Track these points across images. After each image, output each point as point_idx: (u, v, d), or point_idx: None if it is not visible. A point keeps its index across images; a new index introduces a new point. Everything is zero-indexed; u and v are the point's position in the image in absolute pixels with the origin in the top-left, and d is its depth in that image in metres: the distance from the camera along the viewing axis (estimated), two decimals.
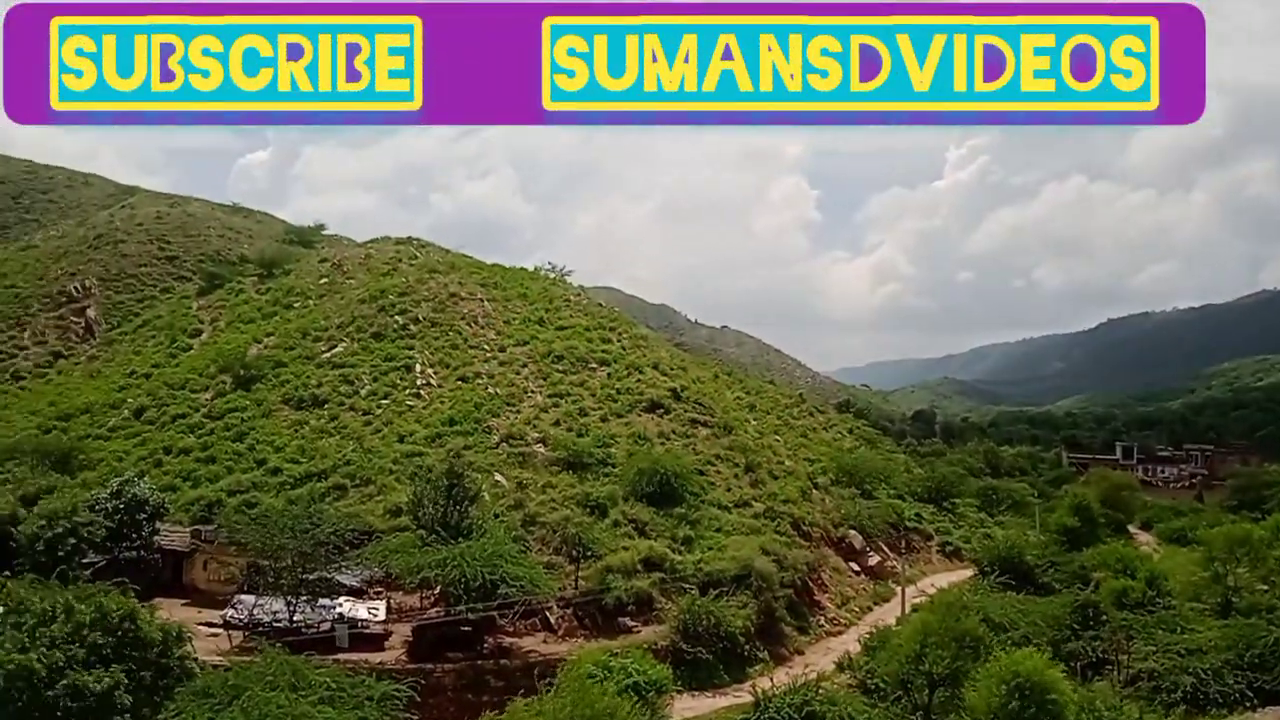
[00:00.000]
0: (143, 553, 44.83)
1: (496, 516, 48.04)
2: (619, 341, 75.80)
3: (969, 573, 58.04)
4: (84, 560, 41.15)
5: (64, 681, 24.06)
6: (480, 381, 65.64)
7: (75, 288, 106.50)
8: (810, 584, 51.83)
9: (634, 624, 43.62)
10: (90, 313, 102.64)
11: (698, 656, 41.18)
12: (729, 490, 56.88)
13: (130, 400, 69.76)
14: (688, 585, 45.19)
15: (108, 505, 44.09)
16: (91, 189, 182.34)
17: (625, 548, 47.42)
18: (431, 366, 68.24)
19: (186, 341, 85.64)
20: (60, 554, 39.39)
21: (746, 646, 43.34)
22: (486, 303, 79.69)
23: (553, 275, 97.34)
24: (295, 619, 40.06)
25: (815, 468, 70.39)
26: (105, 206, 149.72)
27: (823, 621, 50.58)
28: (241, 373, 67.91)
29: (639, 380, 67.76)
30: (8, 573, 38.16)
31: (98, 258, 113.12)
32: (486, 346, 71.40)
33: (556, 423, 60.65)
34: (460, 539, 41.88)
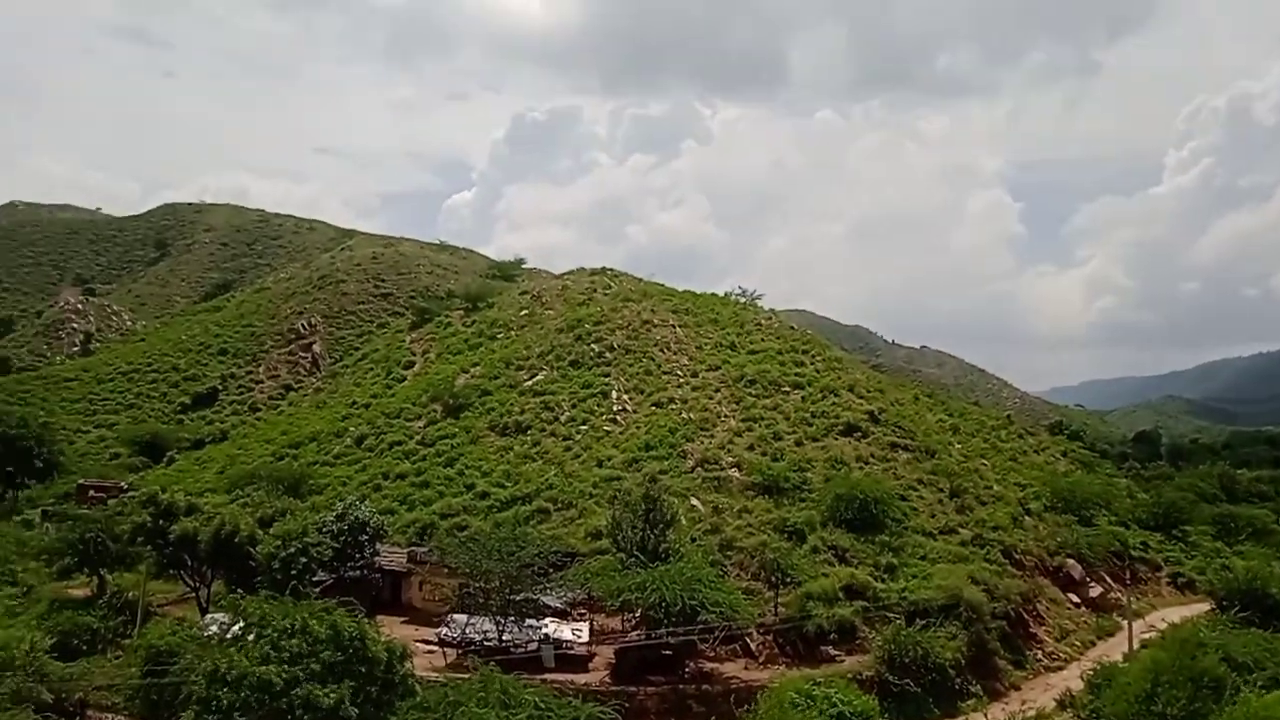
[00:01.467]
0: (365, 572, 47.64)
1: (693, 540, 48.19)
2: (812, 364, 74.78)
3: (1204, 607, 53.34)
4: (314, 579, 44.12)
5: (298, 693, 25.77)
6: (674, 406, 66.26)
7: (303, 325, 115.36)
8: (1025, 615, 49.09)
9: (836, 653, 42.63)
10: (316, 348, 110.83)
11: (905, 689, 39.75)
12: (933, 516, 54.82)
13: (352, 429, 74.56)
14: (892, 614, 43.79)
15: (334, 527, 47.12)
16: (315, 234, 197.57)
17: (825, 574, 46.51)
18: (627, 392, 69.49)
19: (400, 373, 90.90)
20: (294, 572, 42.35)
21: (957, 680, 41.54)
22: (679, 329, 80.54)
23: (744, 299, 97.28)
24: (504, 639, 41.43)
25: (1026, 493, 66.74)
26: (327, 249, 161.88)
27: (1040, 655, 47.76)
28: (451, 401, 71.38)
29: (834, 403, 66.54)
30: (240, 590, 41.53)
31: (321, 297, 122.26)
32: (680, 372, 72.08)
33: (751, 447, 60.36)
34: (658, 562, 42.20)
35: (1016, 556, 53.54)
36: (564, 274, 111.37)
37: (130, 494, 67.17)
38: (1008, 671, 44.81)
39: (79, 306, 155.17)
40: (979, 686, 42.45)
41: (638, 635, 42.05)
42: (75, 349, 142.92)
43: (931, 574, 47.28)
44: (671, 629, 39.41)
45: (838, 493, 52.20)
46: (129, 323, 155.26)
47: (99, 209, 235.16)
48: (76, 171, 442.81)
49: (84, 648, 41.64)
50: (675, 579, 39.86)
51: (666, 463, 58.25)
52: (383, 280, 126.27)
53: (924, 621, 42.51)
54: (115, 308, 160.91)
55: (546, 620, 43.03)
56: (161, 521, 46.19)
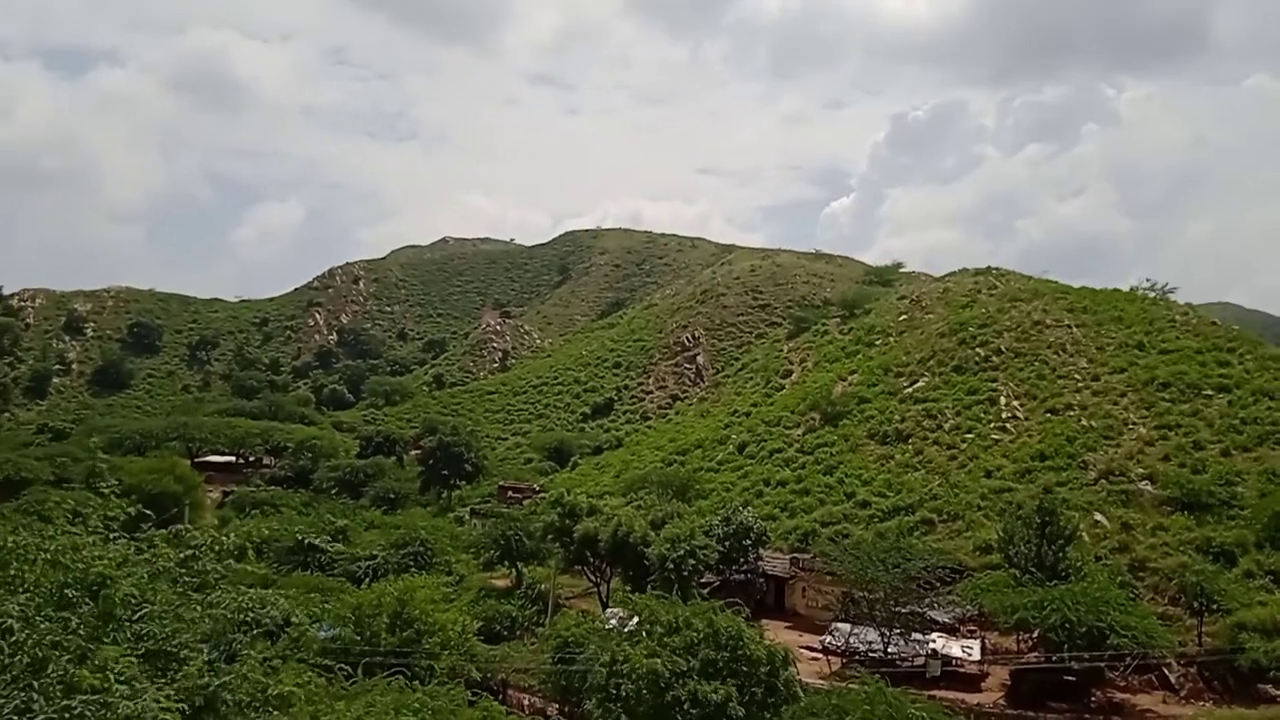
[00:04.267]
0: (749, 576, 48.85)
1: (1098, 559, 44.17)
2: (1241, 364, 65.54)
3: None
4: (701, 580, 45.96)
5: (685, 688, 26.88)
6: (1072, 413, 61.14)
7: (687, 338, 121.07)
8: None
9: (1278, 692, 36.93)
10: (699, 359, 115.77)
11: None
12: None
13: (734, 436, 76.82)
14: None
15: (719, 531, 48.82)
16: (697, 250, 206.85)
17: (1263, 603, 40.46)
18: (1017, 399, 65.25)
19: (779, 382, 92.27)
20: (684, 573, 44.40)
21: None
22: (1075, 329, 74.25)
23: (1153, 294, 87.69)
24: (889, 650, 40.51)
25: None
26: (709, 265, 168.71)
27: None
28: (829, 409, 71.27)
29: (1270, 407, 57.86)
30: (634, 587, 44.12)
31: (704, 310, 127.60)
32: (1077, 376, 66.39)
33: (1165, 457, 54.08)
34: (1056, 581, 39.19)
35: None
36: (945, 276, 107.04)
37: (541, 495, 74.17)
38: None
39: (498, 328, 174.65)
40: None
41: (1036, 657, 39.21)
42: (495, 365, 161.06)
43: None
44: (1075, 653, 36.32)
45: (1276, 510, 45.29)
46: (538, 341, 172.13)
47: (513, 240, 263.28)
48: (499, 207, 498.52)
49: (505, 633, 46.52)
50: (1079, 599, 36.72)
51: (1064, 474, 53.92)
52: (761, 292, 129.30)
53: None
54: (527, 328, 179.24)
55: (933, 635, 41.48)
56: (567, 521, 50.50)
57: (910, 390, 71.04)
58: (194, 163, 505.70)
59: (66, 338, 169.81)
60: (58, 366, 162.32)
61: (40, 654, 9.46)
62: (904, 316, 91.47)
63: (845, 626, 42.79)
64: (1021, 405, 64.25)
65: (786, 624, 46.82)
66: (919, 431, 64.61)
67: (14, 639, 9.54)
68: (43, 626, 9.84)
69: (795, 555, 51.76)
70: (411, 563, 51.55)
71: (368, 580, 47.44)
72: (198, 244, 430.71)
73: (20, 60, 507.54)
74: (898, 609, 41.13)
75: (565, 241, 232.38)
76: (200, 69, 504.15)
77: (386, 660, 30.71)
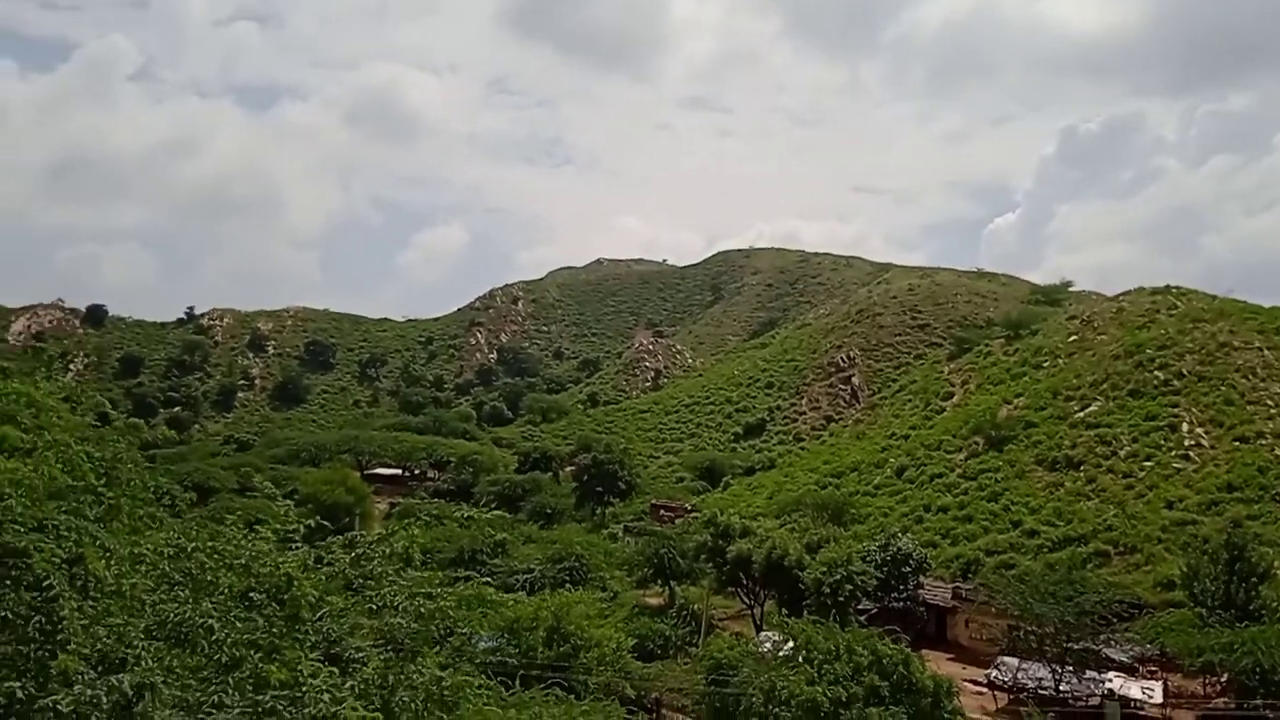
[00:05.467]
0: (908, 604, 47.44)
1: None
2: None
3: None
4: (858, 606, 44.92)
5: (847, 715, 26.29)
6: (1264, 442, 56.89)
7: (841, 358, 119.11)
8: None
9: None
10: (854, 380, 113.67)
11: None
12: None
13: (891, 460, 74.97)
14: None
15: (877, 557, 47.65)
16: (852, 269, 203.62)
17: None
18: (1201, 425, 61.17)
19: (939, 404, 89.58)
20: (840, 599, 43.51)
21: None
22: (1266, 351, 69.11)
23: None
24: (1061, 688, 38.52)
25: None
26: (864, 284, 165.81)
27: None
28: (993, 433, 68.68)
29: None
30: (788, 611, 43.46)
31: (859, 330, 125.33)
32: (1269, 402, 61.75)
33: None
34: (1248, 621, 36.48)
35: None
36: (1119, 295, 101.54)
37: (693, 515, 74.22)
38: None
39: (650, 347, 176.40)
40: None
41: (1225, 702, 36.54)
42: (647, 384, 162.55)
43: None
44: (1270, 700, 33.64)
45: None
46: (690, 360, 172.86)
47: (665, 260, 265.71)
48: (653, 228, 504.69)
49: (658, 651, 46.59)
50: (1274, 642, 34.06)
51: (1256, 506, 50.19)
52: (919, 311, 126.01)
53: None
54: (679, 347, 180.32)
55: (1110, 674, 39.17)
56: (720, 541, 50.29)
57: (1082, 415, 67.67)
58: (366, 190, 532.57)
59: (250, 355, 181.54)
60: (242, 382, 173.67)
61: (235, 653, 10.09)
62: (1074, 337, 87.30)
63: (1012, 661, 40.95)
64: (1206, 433, 60.24)
65: (948, 655, 45.21)
66: (1091, 458, 61.45)
67: (213, 638, 10.21)
68: (237, 626, 10.50)
69: (957, 585, 49.99)
70: (567, 578, 52.34)
71: (525, 593, 48.47)
72: (367, 267, 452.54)
73: (214, 97, 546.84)
74: (1069, 645, 39.09)
75: (718, 261, 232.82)
76: (373, 101, 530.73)
77: (542, 674, 31.29)
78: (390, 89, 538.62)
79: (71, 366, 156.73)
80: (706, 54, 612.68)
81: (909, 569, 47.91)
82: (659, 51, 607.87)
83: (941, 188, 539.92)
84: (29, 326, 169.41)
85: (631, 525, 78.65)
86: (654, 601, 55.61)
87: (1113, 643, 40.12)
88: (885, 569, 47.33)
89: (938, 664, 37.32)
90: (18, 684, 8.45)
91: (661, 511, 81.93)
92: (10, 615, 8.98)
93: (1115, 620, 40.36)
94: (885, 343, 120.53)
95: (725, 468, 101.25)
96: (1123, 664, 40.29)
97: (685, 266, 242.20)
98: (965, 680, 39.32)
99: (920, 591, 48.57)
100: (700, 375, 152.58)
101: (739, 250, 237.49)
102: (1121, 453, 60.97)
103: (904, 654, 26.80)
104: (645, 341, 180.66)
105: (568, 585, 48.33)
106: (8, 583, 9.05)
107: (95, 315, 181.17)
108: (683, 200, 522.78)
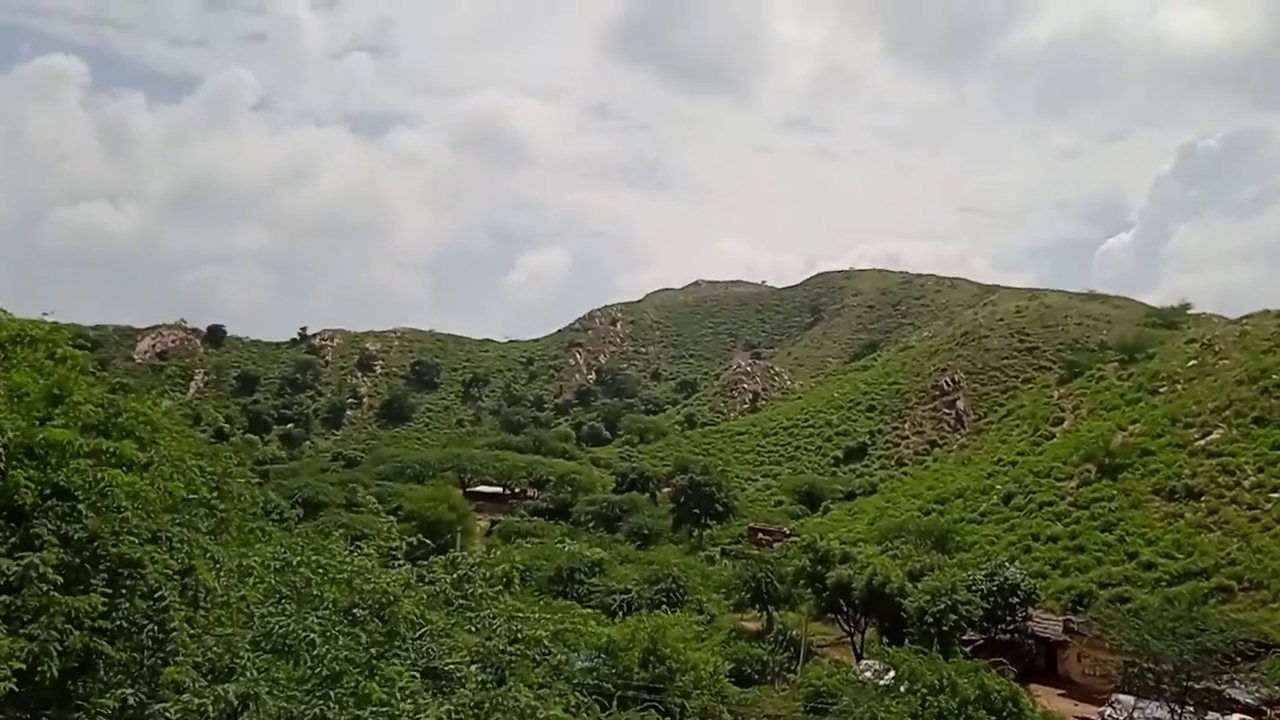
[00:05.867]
0: (1016, 637, 45.73)
1: None
2: None
3: None
4: (963, 637, 43.53)
5: None
6: None
7: (946, 382, 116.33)
8: None
9: None
10: (959, 404, 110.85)
11: None
12: None
13: (998, 486, 72.76)
14: None
15: (983, 587, 46.13)
16: (957, 291, 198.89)
17: None
18: None
19: (1049, 430, 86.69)
20: (944, 629, 42.25)
21: None
22: None
23: None
24: None
25: None
26: (969, 306, 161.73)
27: None
28: (1106, 461, 66.14)
29: None
30: (889, 639, 42.34)
31: (964, 353, 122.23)
32: None
33: None
34: None
35: None
36: (1243, 318, 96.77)
37: (792, 539, 73.26)
38: None
39: (748, 369, 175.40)
40: None
41: None
42: (745, 406, 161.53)
43: None
44: None
45: None
46: (789, 382, 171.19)
47: (764, 282, 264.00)
48: (752, 250, 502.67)
49: (755, 676, 45.97)
50: None
51: None
52: (1027, 334, 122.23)
53: None
54: (777, 369, 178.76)
55: (1234, 716, 37.05)
56: (819, 567, 49.50)
57: (1202, 443, 64.56)
58: (472, 213, 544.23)
59: (359, 374, 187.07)
60: (351, 400, 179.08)
61: (337, 667, 10.26)
62: (1194, 362, 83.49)
63: (1128, 699, 39.07)
64: None
65: (1059, 691, 43.47)
66: (1213, 488, 58.54)
67: (316, 652, 10.41)
68: (339, 641, 10.69)
69: (1069, 618, 48.04)
70: (664, 599, 52.14)
71: (621, 614, 48.43)
72: (474, 288, 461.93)
73: (330, 125, 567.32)
74: (1190, 684, 37.12)
75: (817, 283, 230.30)
76: (480, 127, 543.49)
77: (639, 695, 31.16)
78: (497, 115, 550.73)
79: (192, 384, 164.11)
80: (807, 75, 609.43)
81: (1017, 600, 46.23)
82: (760, 73, 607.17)
83: (1050, 207, 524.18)
84: (154, 345, 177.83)
85: (729, 548, 78.08)
86: (751, 626, 54.99)
87: (1237, 683, 37.91)
88: (992, 599, 45.78)
89: (1048, 700, 36.01)
90: (130, 690, 8.76)
91: (759, 535, 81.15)
92: (125, 624, 9.32)
93: (1240, 660, 38.19)
94: (991, 366, 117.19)
95: (825, 492, 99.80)
96: (1248, 706, 38.06)
97: (784, 288, 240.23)
98: (1077, 717, 37.79)
99: (1029, 623, 46.82)
100: (799, 397, 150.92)
101: (839, 271, 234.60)
102: (1246, 483, 57.93)
103: (1013, 689, 25.81)
104: (743, 363, 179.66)
105: (664, 607, 48.10)
106: (123, 592, 9.40)
107: (215, 335, 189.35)
108: (782, 222, 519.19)
